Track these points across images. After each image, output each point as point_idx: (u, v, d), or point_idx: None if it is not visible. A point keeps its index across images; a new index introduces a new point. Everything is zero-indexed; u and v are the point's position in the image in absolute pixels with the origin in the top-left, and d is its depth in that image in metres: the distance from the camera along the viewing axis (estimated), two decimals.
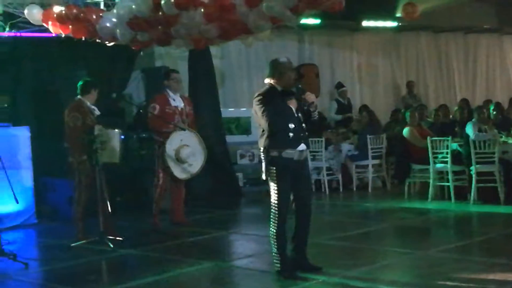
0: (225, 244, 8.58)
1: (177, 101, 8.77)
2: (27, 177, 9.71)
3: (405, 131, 11.26)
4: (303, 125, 6.18)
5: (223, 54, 12.92)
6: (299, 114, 6.15)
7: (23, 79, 10.01)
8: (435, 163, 10.52)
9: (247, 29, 6.28)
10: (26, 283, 6.79)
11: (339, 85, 14.23)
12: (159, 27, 6.78)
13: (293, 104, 6.09)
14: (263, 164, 6.20)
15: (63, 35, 7.66)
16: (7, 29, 9.14)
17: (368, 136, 11.98)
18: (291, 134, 6.05)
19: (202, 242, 8.39)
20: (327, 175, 12.08)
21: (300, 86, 6.20)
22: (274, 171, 6.12)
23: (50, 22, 7.52)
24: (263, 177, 6.23)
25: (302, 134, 6.16)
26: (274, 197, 6.18)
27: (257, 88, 13.64)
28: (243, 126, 12.48)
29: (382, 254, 7.40)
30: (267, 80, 6.17)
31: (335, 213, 10.46)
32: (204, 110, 11.22)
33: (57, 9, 7.70)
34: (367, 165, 12.14)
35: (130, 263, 7.55)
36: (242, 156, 12.36)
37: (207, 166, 11.15)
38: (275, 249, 6.26)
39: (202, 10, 6.05)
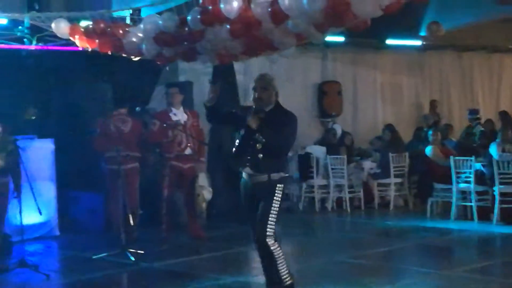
0: (245, 259, 8.56)
1: (178, 115, 8.96)
2: (50, 189, 9.78)
3: (428, 149, 11.22)
4: (255, 147, 5.65)
5: (246, 70, 12.95)
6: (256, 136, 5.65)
7: (49, 92, 10.11)
8: (458, 182, 10.47)
9: (272, 46, 6.28)
10: None
11: None
12: (185, 42, 6.82)
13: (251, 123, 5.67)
14: None
15: (89, 49, 7.73)
16: (34, 42, 9.25)
17: (391, 154, 11.96)
18: (233, 149, 5.84)
19: (222, 257, 8.40)
20: (349, 192, 12.06)
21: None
22: None
23: (77, 36, 7.57)
24: None
25: (249, 157, 5.70)
26: None
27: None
28: None
29: (403, 273, 7.36)
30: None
31: (356, 231, 10.42)
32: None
33: (85, 23, 7.78)
34: (389, 184, 12.10)
35: (151, 277, 7.56)
36: None
37: (229, 182, 11.24)
38: None
39: (228, 26, 6.07)
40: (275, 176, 5.69)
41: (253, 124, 5.63)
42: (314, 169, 12.10)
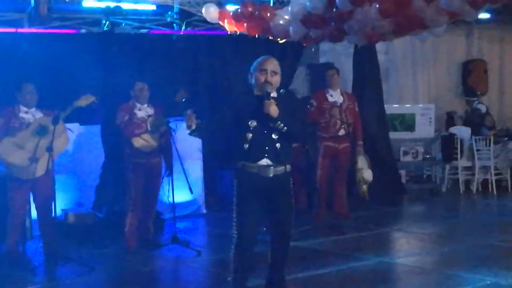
0: (389, 241, 8.54)
1: (335, 97, 8.85)
2: (197, 168, 10.11)
3: None
4: (271, 137, 5.19)
5: (387, 49, 12.78)
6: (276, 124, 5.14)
7: (198, 75, 10.43)
8: None
9: (423, 24, 6.18)
10: (200, 270, 7.11)
11: None
12: (332, 23, 6.83)
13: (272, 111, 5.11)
14: None
15: (237, 33, 7.90)
16: (183, 27, 9.58)
17: None
18: (246, 145, 5.20)
19: (366, 238, 8.39)
20: (495, 174, 11.68)
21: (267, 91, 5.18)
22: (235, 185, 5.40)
23: (226, 20, 7.79)
24: None
25: (267, 148, 5.20)
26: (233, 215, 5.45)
27: (422, 84, 13.51)
28: (407, 122, 12.31)
29: None
30: None
31: (503, 214, 10.09)
32: (368, 106, 11.18)
33: (232, 7, 7.98)
34: None
35: (298, 255, 7.63)
36: (405, 153, 12.20)
37: (371, 163, 11.17)
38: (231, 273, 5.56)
39: (378, 5, 6.03)
40: (288, 167, 5.33)
41: (274, 112, 5.09)
42: (458, 150, 11.80)
